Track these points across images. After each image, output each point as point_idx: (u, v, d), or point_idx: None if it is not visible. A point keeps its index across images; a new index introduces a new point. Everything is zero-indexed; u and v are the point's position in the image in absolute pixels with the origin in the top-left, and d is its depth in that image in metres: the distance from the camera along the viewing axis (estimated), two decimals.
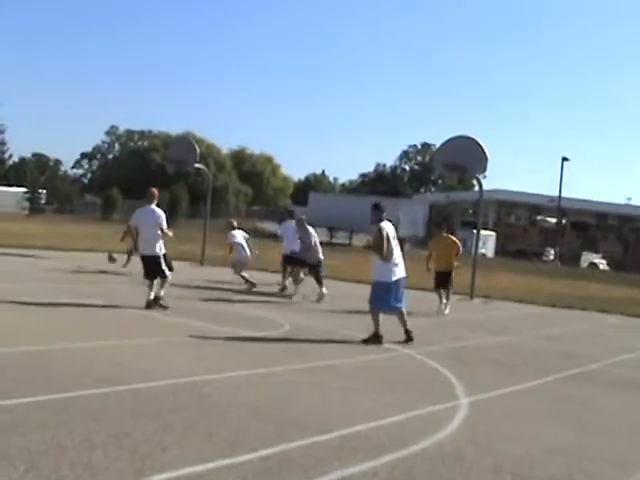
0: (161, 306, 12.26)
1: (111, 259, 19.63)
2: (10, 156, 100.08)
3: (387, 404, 7.01)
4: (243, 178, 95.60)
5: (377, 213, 11.11)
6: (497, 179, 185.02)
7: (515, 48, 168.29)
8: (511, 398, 7.89)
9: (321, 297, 15.97)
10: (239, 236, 18.22)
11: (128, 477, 4.51)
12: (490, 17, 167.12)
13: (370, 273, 11.32)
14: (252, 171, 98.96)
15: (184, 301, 13.97)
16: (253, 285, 17.34)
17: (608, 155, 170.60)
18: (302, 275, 16.98)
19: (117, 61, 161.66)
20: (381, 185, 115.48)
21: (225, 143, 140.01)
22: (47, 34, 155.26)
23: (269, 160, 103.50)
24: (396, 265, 10.84)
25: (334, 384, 7.73)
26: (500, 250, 65.71)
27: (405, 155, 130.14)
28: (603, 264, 64.83)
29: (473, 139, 20.49)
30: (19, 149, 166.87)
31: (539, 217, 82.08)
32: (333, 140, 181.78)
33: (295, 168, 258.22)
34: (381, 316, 10.86)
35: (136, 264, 14.57)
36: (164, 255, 12.70)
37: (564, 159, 65.11)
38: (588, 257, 66.32)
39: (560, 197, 64.58)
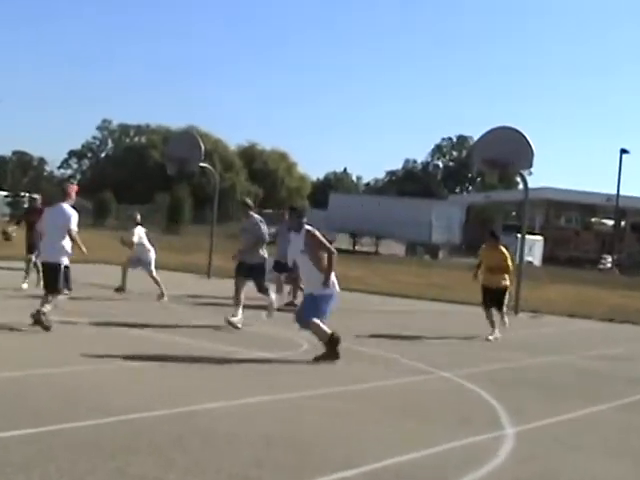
0: (41, 324, 11.06)
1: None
2: None
3: (420, 434, 6.97)
4: (254, 177, 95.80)
5: (297, 218, 11.02)
6: (545, 176, 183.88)
7: (563, 35, 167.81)
8: (562, 428, 7.83)
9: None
10: (141, 232, 17.63)
11: None
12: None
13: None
14: (264, 169, 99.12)
15: (185, 318, 13.99)
16: (122, 290, 17.08)
17: None
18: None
19: (110, 51, 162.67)
20: (411, 184, 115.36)
21: (233, 138, 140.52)
22: (25, 20, 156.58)
23: (283, 157, 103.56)
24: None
25: (359, 411, 7.71)
26: (549, 257, 65.36)
27: (438, 150, 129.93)
28: None
29: (516, 130, 20.43)
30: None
31: (594, 219, 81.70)
32: (355, 134, 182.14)
33: (313, 166, 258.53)
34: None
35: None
36: (66, 267, 11.51)
37: (623, 151, 64.65)
38: None
39: (618, 195, 64.14)
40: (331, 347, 10.44)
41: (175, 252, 31.82)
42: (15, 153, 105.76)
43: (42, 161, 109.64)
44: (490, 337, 14.45)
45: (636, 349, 15.32)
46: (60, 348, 10.01)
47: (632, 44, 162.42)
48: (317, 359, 10.36)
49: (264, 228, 13.98)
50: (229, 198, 78.56)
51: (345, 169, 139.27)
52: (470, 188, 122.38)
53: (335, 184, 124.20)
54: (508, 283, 15.08)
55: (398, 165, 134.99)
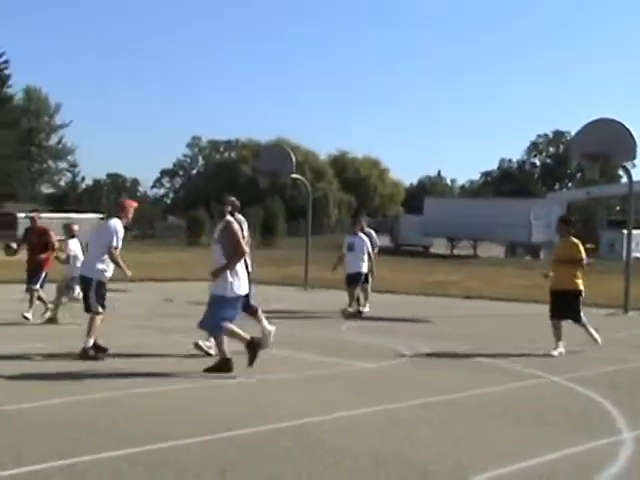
0: (87, 358, 10.49)
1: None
2: (83, 179, 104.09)
3: (532, 441, 6.82)
4: (346, 186, 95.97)
5: (219, 207, 10.20)
6: None
7: None
8: None
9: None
10: (76, 246, 14.89)
11: None
12: None
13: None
14: (356, 178, 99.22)
15: (287, 331, 14.08)
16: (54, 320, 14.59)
17: None
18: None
19: (192, 66, 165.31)
20: (507, 184, 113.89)
21: (323, 148, 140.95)
22: (108, 46, 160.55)
23: (375, 164, 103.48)
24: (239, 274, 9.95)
25: (468, 420, 7.60)
26: None
27: (534, 147, 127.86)
28: None
29: (617, 121, 20.01)
30: (92, 171, 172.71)
31: None
32: (448, 136, 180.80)
33: (406, 171, 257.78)
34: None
35: None
36: (100, 283, 10.92)
37: None
38: None
39: None
40: (221, 362, 9.76)
41: (271, 265, 32.12)
42: (109, 176, 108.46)
43: (135, 182, 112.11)
44: (554, 352, 12.08)
45: None
46: (161, 366, 10.16)
47: None
48: (207, 370, 9.66)
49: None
50: (322, 208, 78.96)
51: (439, 172, 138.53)
52: (570, 184, 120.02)
53: (429, 188, 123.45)
54: (581, 286, 12.43)
55: (493, 165, 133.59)
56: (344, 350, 12.05)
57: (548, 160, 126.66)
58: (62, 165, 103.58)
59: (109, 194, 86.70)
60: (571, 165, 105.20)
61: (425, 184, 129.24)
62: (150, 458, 5.99)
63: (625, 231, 23.12)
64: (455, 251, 63.98)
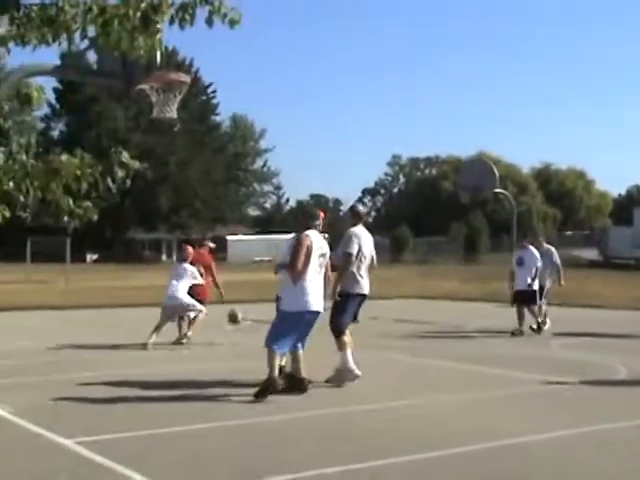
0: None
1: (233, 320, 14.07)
2: (287, 200, 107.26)
3: None
4: (550, 199, 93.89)
5: (304, 220, 9.62)
6: None
7: None
8: None
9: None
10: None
11: None
12: None
13: None
14: (560, 190, 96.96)
15: (495, 349, 13.91)
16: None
17: None
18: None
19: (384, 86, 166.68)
20: None
21: (526, 161, 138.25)
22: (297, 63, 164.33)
23: (580, 175, 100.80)
24: (310, 290, 9.16)
25: None
26: None
27: None
28: None
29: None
30: (296, 192, 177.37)
31: None
32: None
33: (613, 182, 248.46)
34: None
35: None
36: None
37: None
38: None
39: None
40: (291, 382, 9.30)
41: (476, 281, 31.83)
42: (312, 196, 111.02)
43: (337, 202, 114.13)
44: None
45: None
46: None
47: None
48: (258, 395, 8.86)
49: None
50: (526, 222, 77.44)
51: None
52: None
53: (639, 199, 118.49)
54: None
55: None
56: (556, 367, 11.71)
57: None
58: (267, 188, 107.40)
59: None
60: None
61: (634, 194, 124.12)
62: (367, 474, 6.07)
63: None
64: None
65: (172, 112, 9.50)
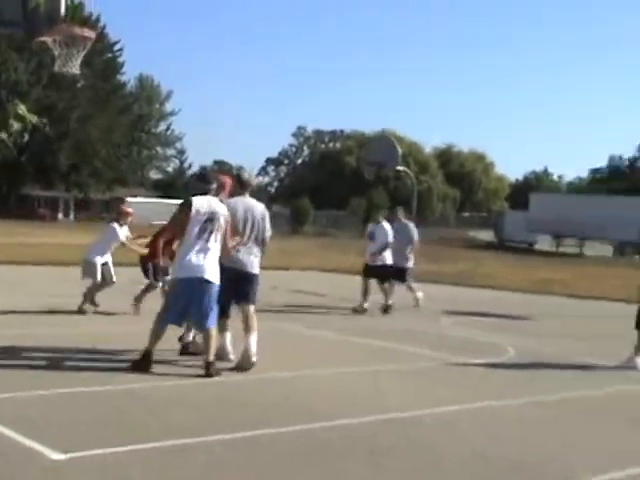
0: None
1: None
2: (190, 166, 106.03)
3: None
4: (450, 180, 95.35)
5: (198, 185, 8.95)
6: None
7: None
8: None
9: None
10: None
11: None
12: None
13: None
14: (460, 171, 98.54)
15: (386, 324, 14.05)
16: None
17: None
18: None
19: (299, 58, 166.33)
20: (617, 182, 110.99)
21: (428, 141, 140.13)
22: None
23: (480, 158, 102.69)
24: (192, 257, 8.44)
25: (576, 422, 7.43)
26: None
27: None
28: None
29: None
30: (199, 158, 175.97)
31: None
32: (556, 131, 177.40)
33: (511, 166, 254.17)
34: None
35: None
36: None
37: None
38: None
39: None
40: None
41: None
42: (216, 162, 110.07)
43: (241, 169, 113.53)
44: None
45: None
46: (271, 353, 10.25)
47: None
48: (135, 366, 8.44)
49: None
50: (425, 201, 78.52)
51: (546, 168, 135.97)
52: None
53: (535, 184, 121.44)
54: None
55: (602, 163, 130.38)
56: (447, 345, 11.92)
57: None
58: (170, 152, 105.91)
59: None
60: None
61: (531, 180, 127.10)
62: (254, 443, 6.06)
63: None
64: (560, 249, 62.82)
65: (75, 67, 9.26)
